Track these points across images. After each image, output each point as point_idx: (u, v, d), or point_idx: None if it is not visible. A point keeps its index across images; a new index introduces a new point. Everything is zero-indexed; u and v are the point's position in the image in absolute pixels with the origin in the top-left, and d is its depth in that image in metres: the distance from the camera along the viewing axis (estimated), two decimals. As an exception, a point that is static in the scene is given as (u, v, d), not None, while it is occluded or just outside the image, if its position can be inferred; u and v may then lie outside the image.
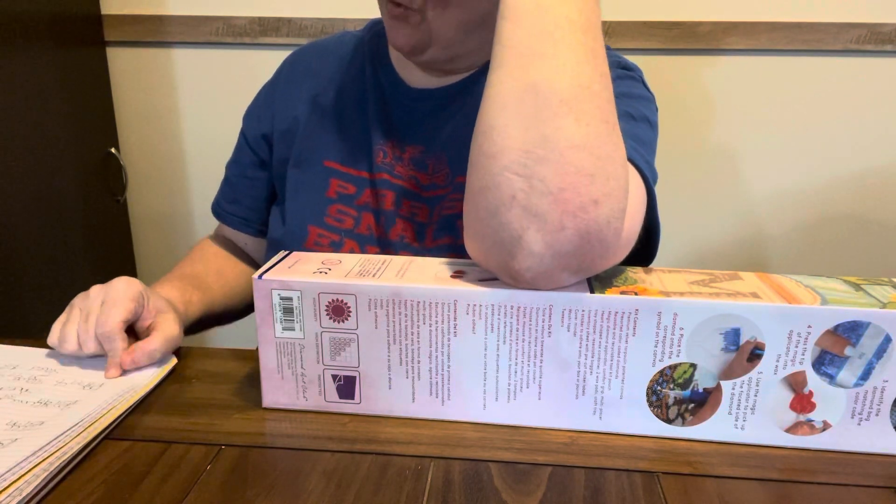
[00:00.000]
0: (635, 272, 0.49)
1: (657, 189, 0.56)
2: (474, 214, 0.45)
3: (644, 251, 0.59)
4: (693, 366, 0.45)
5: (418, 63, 0.66)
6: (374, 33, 0.74)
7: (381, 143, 0.69)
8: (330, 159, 0.70)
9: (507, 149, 0.42)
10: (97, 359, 0.56)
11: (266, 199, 0.78)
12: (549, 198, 0.41)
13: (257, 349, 0.50)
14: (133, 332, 0.58)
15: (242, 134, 0.78)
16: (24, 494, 0.39)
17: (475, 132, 0.45)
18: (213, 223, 0.83)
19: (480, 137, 0.44)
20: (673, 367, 0.45)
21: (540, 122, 0.42)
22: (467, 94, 0.66)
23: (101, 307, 0.56)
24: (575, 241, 0.42)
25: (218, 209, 0.81)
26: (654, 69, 1.28)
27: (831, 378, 0.45)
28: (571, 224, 0.41)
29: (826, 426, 0.46)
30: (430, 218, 0.66)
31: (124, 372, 0.54)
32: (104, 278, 0.58)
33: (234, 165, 0.79)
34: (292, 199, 0.71)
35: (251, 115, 0.77)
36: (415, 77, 0.69)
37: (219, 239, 0.83)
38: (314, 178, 0.70)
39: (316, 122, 0.71)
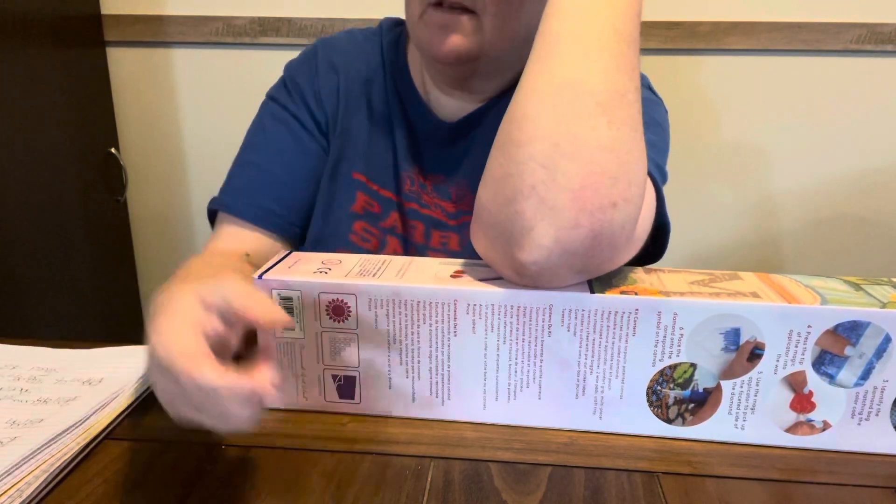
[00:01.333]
0: (635, 272, 0.49)
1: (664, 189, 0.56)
2: (490, 201, 0.45)
3: (652, 249, 0.58)
4: (693, 366, 0.45)
5: (452, 74, 0.63)
6: (393, 40, 0.70)
7: (408, 170, 0.67)
8: (357, 171, 0.68)
9: (536, 139, 0.42)
10: (96, 356, 0.56)
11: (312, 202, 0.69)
12: (568, 194, 0.41)
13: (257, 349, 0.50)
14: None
15: (287, 113, 0.68)
16: (24, 496, 0.39)
17: (505, 120, 0.45)
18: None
19: (511, 125, 0.44)
20: (673, 367, 0.45)
21: (573, 119, 0.42)
22: (483, 122, 0.66)
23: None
24: (586, 241, 0.42)
25: (262, 214, 0.65)
26: (654, 69, 1.28)
27: (831, 378, 0.45)
28: (587, 223, 0.41)
29: (826, 426, 0.46)
30: (461, 245, 0.66)
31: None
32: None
33: (277, 158, 0.67)
34: (317, 206, 0.68)
35: (298, 93, 0.68)
36: (435, 100, 0.67)
37: (215, 256, 0.71)
38: (341, 188, 0.68)
39: (345, 123, 0.68)
